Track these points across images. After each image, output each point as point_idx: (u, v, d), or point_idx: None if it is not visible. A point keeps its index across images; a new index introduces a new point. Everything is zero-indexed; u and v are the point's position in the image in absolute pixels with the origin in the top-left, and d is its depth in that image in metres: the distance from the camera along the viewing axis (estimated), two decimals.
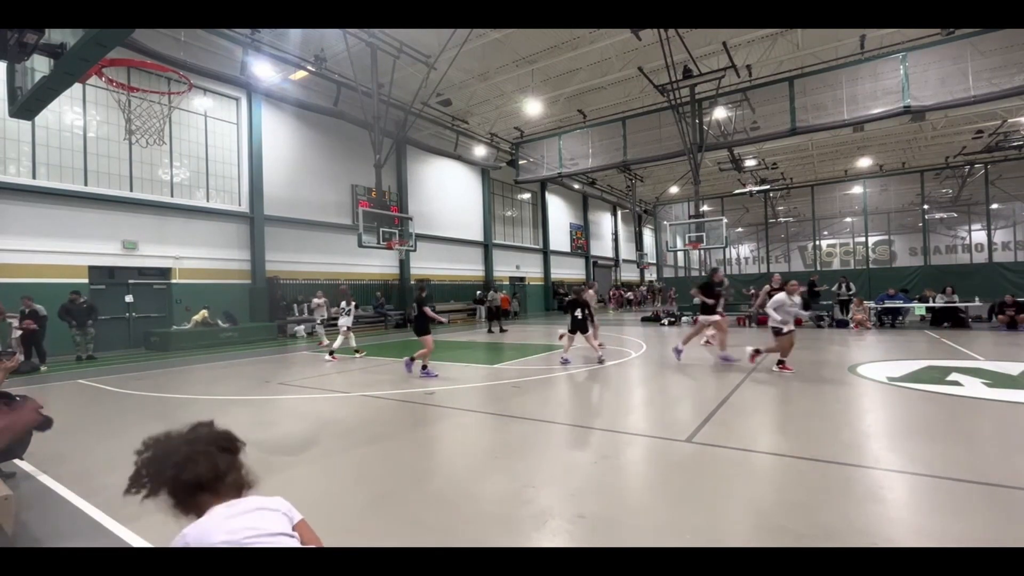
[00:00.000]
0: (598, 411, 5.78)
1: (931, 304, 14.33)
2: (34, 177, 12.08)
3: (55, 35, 3.71)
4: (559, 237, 33.39)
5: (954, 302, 14.11)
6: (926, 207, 22.74)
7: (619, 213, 41.52)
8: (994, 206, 21.28)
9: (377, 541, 2.72)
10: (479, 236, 26.42)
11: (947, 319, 14.00)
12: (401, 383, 7.54)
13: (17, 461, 3.83)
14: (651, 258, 36.62)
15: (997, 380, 6.46)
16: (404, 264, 21.29)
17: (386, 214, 15.69)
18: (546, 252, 31.72)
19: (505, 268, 28.30)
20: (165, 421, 5.65)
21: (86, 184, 12.89)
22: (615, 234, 41.67)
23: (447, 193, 24.33)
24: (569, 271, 34.18)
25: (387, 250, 16.28)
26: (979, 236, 22.60)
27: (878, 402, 5.73)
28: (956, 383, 6.34)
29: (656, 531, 2.78)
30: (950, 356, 8.73)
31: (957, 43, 13.39)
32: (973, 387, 6.09)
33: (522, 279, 29.62)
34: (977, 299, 14.58)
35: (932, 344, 10.51)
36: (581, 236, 36.18)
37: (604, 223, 40.38)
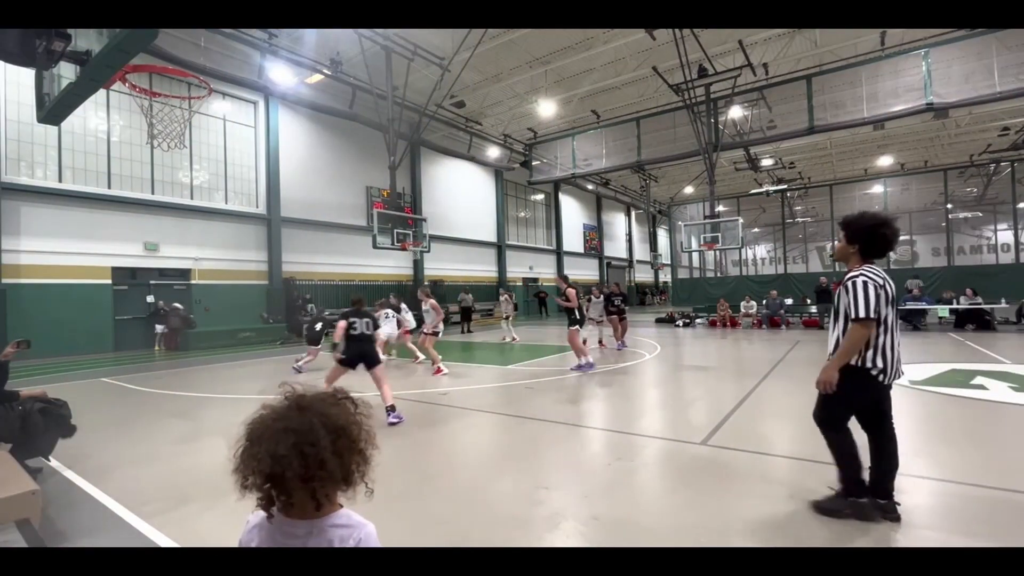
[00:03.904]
0: (612, 412, 5.74)
1: (954, 306, 13.97)
2: (60, 180, 12.42)
3: (81, 42, 3.81)
4: (572, 238, 33.31)
5: (977, 304, 13.74)
6: (949, 206, 22.21)
7: (633, 214, 41.27)
8: (1021, 205, 20.70)
9: (390, 541, 2.74)
10: (492, 237, 26.47)
11: (971, 321, 13.64)
12: (416, 383, 7.58)
13: (42, 457, 3.93)
14: (665, 259, 36.38)
15: None
16: (418, 265, 21.44)
17: (400, 215, 15.80)
18: (559, 253, 31.65)
19: (518, 269, 28.32)
20: (184, 419, 5.74)
21: (109, 187, 13.21)
22: (629, 235, 41.42)
23: (461, 194, 24.43)
24: (583, 272, 34.06)
25: (401, 251, 16.40)
26: (1005, 236, 21.99)
27: (900, 406, 5.58)
28: (981, 387, 6.17)
29: (671, 534, 2.76)
30: (975, 359, 8.51)
31: (981, 38, 13.05)
32: (999, 391, 5.93)
33: (535, 280, 29.61)
34: (1004, 300, 14.18)
35: (956, 347, 10.25)
36: (595, 237, 36.04)
37: (618, 224, 40.17)
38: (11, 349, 3.82)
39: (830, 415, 2.90)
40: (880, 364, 2.73)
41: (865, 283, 2.70)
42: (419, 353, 9.65)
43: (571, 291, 8.40)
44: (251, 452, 0.97)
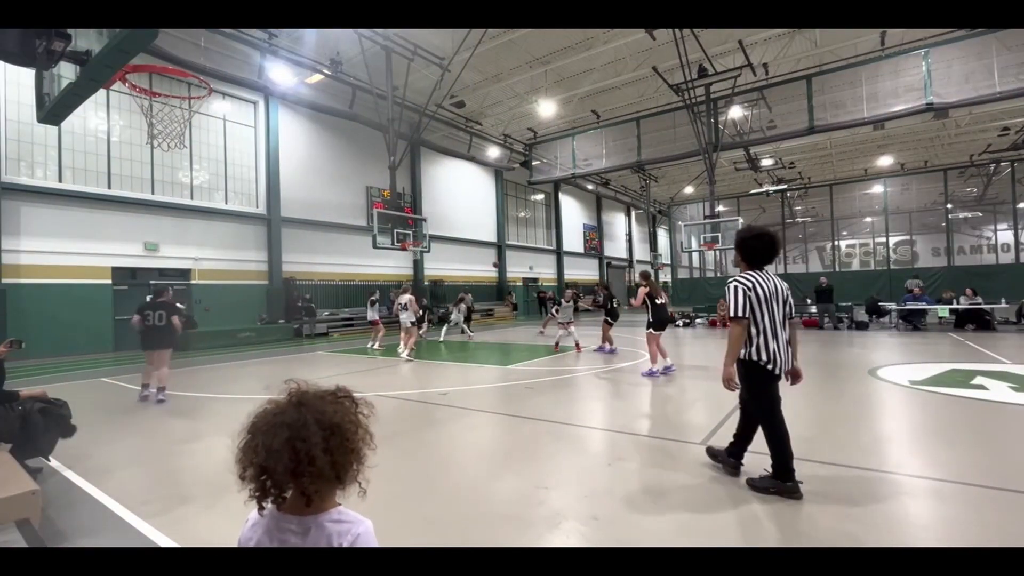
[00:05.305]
0: (612, 412, 5.74)
1: (954, 306, 13.95)
2: (60, 180, 12.42)
3: (81, 42, 3.81)
4: (572, 238, 33.33)
5: (977, 304, 13.74)
6: (950, 206, 22.25)
7: (633, 214, 41.27)
8: (1020, 205, 20.73)
9: (390, 541, 2.73)
10: (492, 237, 26.47)
11: (971, 321, 13.61)
12: (415, 383, 7.58)
13: (42, 457, 3.93)
14: (665, 259, 36.40)
15: None
16: (418, 265, 21.44)
17: (400, 215, 15.80)
18: (559, 253, 31.66)
19: (518, 269, 28.33)
20: (184, 419, 5.73)
21: (109, 187, 13.21)
22: (629, 235, 41.43)
23: (461, 194, 24.44)
24: (583, 272, 34.08)
25: (401, 251, 16.40)
26: (1005, 236, 22.01)
27: (899, 406, 5.61)
28: (981, 387, 6.18)
29: (671, 534, 2.76)
30: (975, 359, 8.50)
31: (981, 38, 13.06)
32: (999, 391, 5.93)
33: (535, 280, 29.61)
34: (1004, 300, 14.18)
35: (956, 347, 10.25)
36: (595, 237, 36.05)
37: (618, 224, 40.18)
38: (4, 348, 3.80)
39: (760, 407, 3.24)
40: (764, 357, 3.10)
41: (736, 288, 3.13)
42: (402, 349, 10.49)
43: (641, 290, 7.77)
44: (251, 444, 0.99)
